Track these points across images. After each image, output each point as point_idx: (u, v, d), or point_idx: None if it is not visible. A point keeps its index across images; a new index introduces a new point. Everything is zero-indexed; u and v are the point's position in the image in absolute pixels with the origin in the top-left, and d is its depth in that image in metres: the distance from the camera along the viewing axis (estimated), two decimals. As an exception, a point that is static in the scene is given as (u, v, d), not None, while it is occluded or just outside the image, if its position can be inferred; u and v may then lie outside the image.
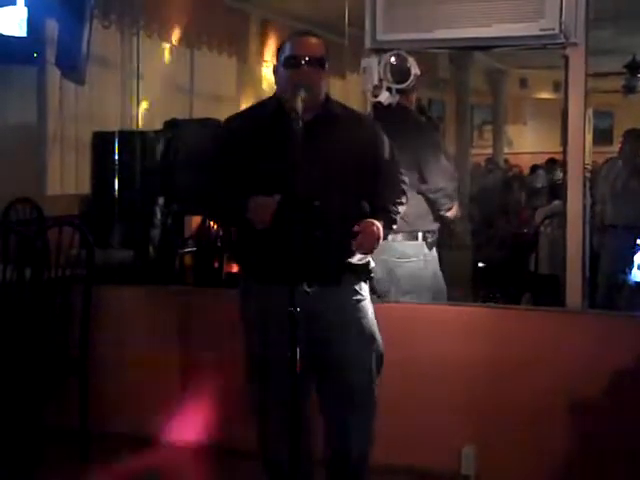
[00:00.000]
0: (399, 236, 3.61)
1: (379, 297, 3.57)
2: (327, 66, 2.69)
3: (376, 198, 2.78)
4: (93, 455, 3.72)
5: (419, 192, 3.65)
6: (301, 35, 2.74)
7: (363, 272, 2.81)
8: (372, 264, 2.84)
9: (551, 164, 9.32)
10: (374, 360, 2.81)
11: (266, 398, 2.77)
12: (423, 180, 3.67)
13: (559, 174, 9.26)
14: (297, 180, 2.52)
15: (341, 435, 2.83)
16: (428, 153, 3.71)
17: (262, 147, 2.68)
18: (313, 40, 2.70)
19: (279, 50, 2.72)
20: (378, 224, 2.68)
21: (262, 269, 2.73)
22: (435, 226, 3.78)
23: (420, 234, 3.72)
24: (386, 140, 2.82)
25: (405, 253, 3.69)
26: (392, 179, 2.83)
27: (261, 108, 2.82)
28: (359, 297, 2.79)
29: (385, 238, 2.75)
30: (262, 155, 2.67)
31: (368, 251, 2.71)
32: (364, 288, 2.83)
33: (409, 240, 3.69)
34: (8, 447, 3.56)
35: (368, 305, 2.83)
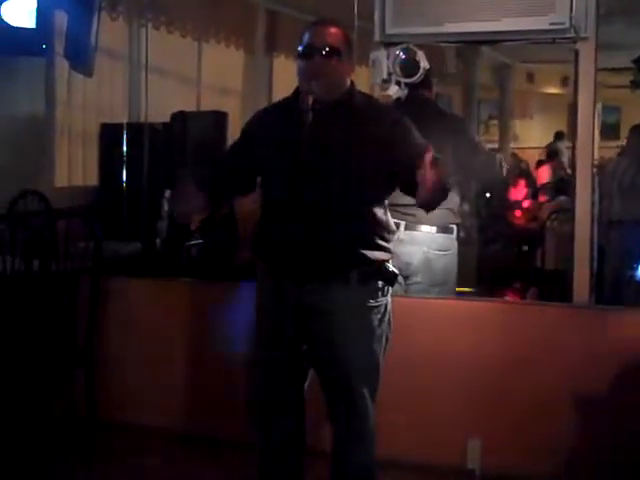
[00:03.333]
0: (434, 229, 3.69)
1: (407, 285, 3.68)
2: (345, 55, 2.61)
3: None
4: (100, 445, 3.74)
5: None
6: (317, 24, 2.67)
7: (373, 272, 2.66)
8: (390, 266, 2.70)
9: (553, 155, 9.35)
10: (363, 375, 2.68)
11: (261, 384, 2.78)
12: (463, 172, 3.68)
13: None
14: (302, 170, 2.55)
15: (335, 440, 2.79)
16: (464, 145, 3.73)
17: (274, 138, 2.68)
18: (329, 29, 2.62)
19: (299, 40, 2.65)
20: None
21: (269, 262, 2.74)
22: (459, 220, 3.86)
23: (455, 227, 3.78)
24: (417, 138, 2.66)
25: (444, 245, 3.75)
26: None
27: (283, 100, 2.79)
28: (360, 301, 2.65)
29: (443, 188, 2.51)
30: (272, 146, 2.68)
31: (436, 186, 2.43)
32: (372, 292, 2.67)
33: (445, 233, 3.74)
34: (16, 438, 3.58)
35: (373, 314, 2.67)
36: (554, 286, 4.82)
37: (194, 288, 4.07)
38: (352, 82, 2.70)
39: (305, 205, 2.57)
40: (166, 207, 4.96)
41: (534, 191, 7.90)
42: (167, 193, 5.08)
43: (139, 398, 3.95)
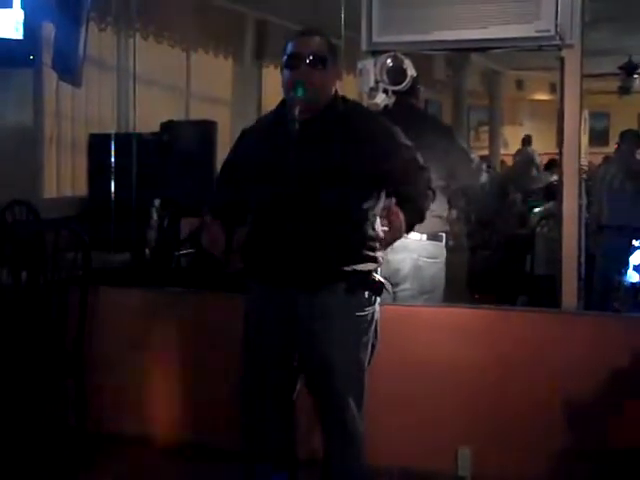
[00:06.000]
0: (424, 236, 3.68)
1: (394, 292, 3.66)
2: (330, 63, 2.62)
3: (400, 194, 2.66)
4: (90, 456, 3.72)
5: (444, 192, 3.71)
6: (301, 34, 2.68)
7: (360, 282, 2.67)
8: (377, 276, 2.73)
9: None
10: (348, 383, 2.70)
11: (251, 393, 2.79)
12: (450, 179, 3.70)
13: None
14: (289, 181, 2.56)
15: (326, 446, 2.80)
16: (451, 153, 3.74)
17: (262, 152, 2.69)
18: (313, 38, 2.64)
19: (283, 50, 2.67)
20: (402, 216, 2.58)
21: (257, 269, 2.75)
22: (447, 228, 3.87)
23: (444, 235, 3.78)
24: (404, 142, 2.71)
25: (433, 253, 3.77)
26: (412, 178, 2.71)
27: (270, 113, 2.80)
28: (347, 311, 2.66)
29: (407, 232, 2.66)
30: (261, 160, 2.69)
31: (390, 242, 2.64)
32: (359, 303, 2.69)
33: (435, 241, 3.75)
34: (5, 448, 3.56)
35: (360, 323, 2.69)
36: (544, 292, 4.83)
37: (184, 298, 4.06)
38: (336, 90, 2.70)
39: (292, 217, 2.58)
40: (155, 217, 4.95)
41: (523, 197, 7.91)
42: (156, 202, 5.07)
43: (129, 408, 3.94)
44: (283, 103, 2.71)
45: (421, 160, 2.75)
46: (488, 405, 3.45)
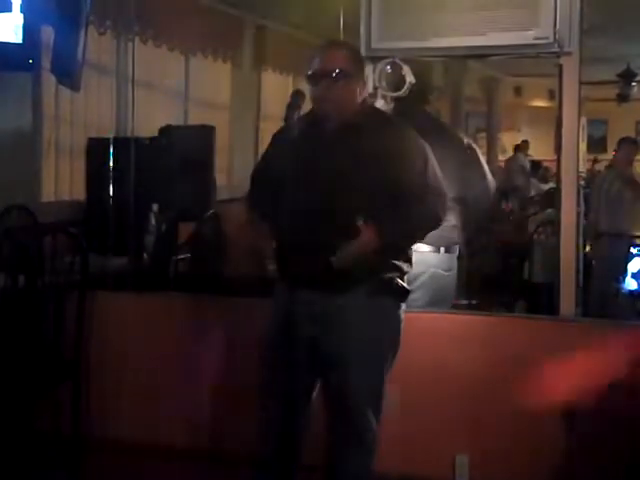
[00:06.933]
0: (442, 249, 3.67)
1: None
2: (355, 76, 2.64)
3: (397, 215, 2.64)
4: (85, 462, 3.71)
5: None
6: (324, 48, 2.71)
7: (383, 287, 2.68)
8: (400, 282, 2.72)
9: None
10: (366, 392, 2.74)
11: (267, 397, 2.81)
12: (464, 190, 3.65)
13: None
14: (306, 191, 2.62)
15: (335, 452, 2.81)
16: (470, 165, 3.72)
17: (285, 157, 2.74)
18: (338, 52, 2.67)
19: (310, 62, 2.69)
20: (371, 239, 2.58)
21: (283, 276, 2.78)
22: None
23: (457, 248, 3.77)
24: (425, 156, 2.69)
25: (449, 266, 3.75)
26: (422, 198, 2.66)
27: (300, 117, 2.91)
28: (365, 317, 2.66)
29: (373, 252, 2.62)
30: (283, 164, 2.73)
31: (345, 260, 2.58)
32: (381, 307, 2.69)
33: (450, 252, 3.74)
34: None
35: (380, 331, 2.69)
36: (541, 299, 4.82)
37: (182, 302, 4.05)
38: (364, 100, 2.73)
39: (312, 223, 2.62)
40: (153, 221, 4.95)
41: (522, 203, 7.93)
42: (154, 207, 5.07)
43: (126, 413, 3.93)
44: (309, 111, 2.78)
45: (439, 184, 2.71)
46: (486, 412, 3.45)
